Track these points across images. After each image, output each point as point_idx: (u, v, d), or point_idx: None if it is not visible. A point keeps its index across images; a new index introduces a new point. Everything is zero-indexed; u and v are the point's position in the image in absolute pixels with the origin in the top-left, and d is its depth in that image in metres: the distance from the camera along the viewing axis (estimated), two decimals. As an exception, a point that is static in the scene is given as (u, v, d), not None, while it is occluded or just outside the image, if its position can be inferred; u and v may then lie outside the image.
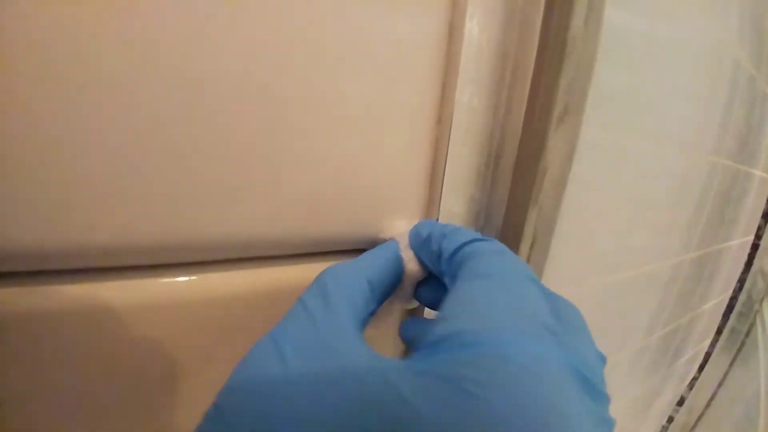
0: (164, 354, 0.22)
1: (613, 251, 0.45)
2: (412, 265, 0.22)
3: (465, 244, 0.19)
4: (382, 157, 0.24)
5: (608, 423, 0.13)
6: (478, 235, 0.19)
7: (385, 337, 0.29)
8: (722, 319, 0.94)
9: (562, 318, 0.15)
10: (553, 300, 0.17)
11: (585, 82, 0.22)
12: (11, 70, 0.15)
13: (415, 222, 0.24)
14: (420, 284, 0.23)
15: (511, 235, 0.26)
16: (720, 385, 0.95)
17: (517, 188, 0.25)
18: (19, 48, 0.15)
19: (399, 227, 0.25)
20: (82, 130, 0.16)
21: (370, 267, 0.20)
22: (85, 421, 0.21)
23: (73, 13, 0.15)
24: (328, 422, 0.12)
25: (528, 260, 0.26)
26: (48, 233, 0.17)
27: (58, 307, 0.18)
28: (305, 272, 0.25)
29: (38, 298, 0.18)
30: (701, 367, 0.97)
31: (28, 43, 0.15)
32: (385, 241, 0.24)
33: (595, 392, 0.13)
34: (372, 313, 0.19)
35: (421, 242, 0.21)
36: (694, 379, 0.97)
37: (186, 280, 0.22)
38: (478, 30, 0.23)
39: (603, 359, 0.15)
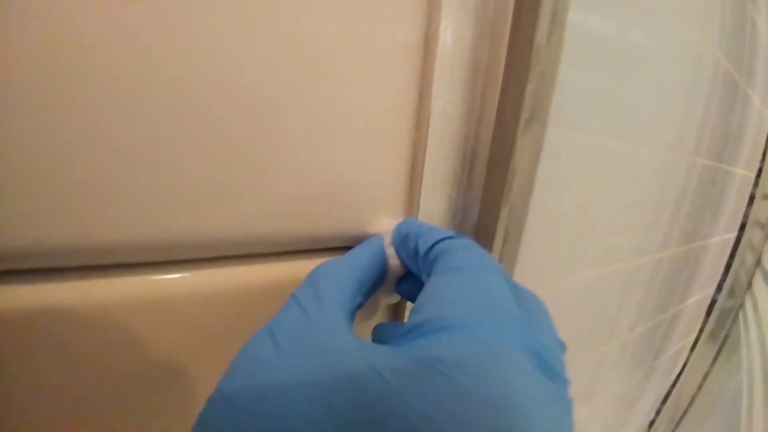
0: (157, 351, 0.23)
1: (592, 249, 0.46)
2: (394, 261, 0.24)
3: (438, 241, 0.20)
4: (364, 160, 0.26)
5: (566, 402, 0.14)
6: (450, 233, 0.21)
7: (370, 328, 0.31)
8: (705, 315, 0.96)
9: (525, 307, 0.17)
10: (518, 291, 0.18)
11: (549, 90, 0.24)
12: (11, 70, 0.16)
13: (400, 220, 0.26)
14: (401, 279, 0.25)
15: (484, 232, 0.27)
16: (704, 380, 0.97)
17: (490, 188, 0.26)
18: (21, 49, 0.16)
19: (384, 224, 0.26)
20: (75, 130, 0.17)
21: (357, 264, 0.22)
22: (79, 418, 0.22)
23: (72, 13, 0.16)
24: (321, 404, 0.13)
25: (501, 256, 0.28)
26: (40, 232, 0.18)
27: (50, 305, 0.19)
28: (293, 269, 0.26)
29: (28, 296, 0.19)
30: (685, 363, 0.99)
31: (29, 44, 0.16)
32: (371, 236, 0.26)
33: (554, 374, 0.14)
34: (359, 306, 0.21)
35: (400, 240, 0.23)
36: (679, 374, 0.99)
37: (178, 277, 0.23)
38: (452, 41, 0.25)
39: (563, 346, 0.17)
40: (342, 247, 0.28)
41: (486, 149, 0.26)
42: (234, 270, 0.25)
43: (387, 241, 0.25)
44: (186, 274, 0.23)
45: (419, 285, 0.23)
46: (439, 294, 0.17)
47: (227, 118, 0.20)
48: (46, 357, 0.20)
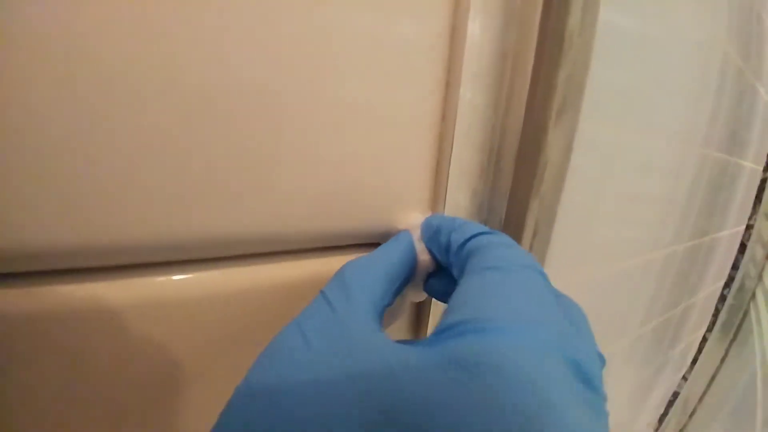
0: (166, 353, 0.22)
1: (608, 242, 0.46)
2: (424, 255, 0.23)
3: (473, 236, 0.20)
4: (389, 154, 0.25)
5: (603, 413, 0.14)
6: (486, 229, 0.20)
7: (399, 329, 0.31)
8: (716, 308, 0.96)
9: (567, 314, 0.16)
10: (560, 297, 0.18)
11: (582, 78, 0.24)
12: (13, 68, 0.15)
13: (428, 215, 0.25)
14: (430, 276, 0.24)
15: (513, 226, 0.27)
16: (716, 373, 0.97)
17: (519, 181, 0.26)
18: (22, 47, 0.15)
19: (413, 219, 0.26)
20: (81, 129, 0.17)
21: (387, 260, 0.21)
22: (84, 422, 0.21)
23: (80, 11, 0.16)
24: (353, 402, 0.13)
25: (530, 250, 0.27)
26: (45, 233, 0.17)
27: (54, 308, 0.19)
28: (318, 267, 0.26)
29: (33, 299, 0.18)
30: (697, 356, 0.99)
31: (31, 42, 0.15)
32: (398, 231, 0.25)
33: (592, 386, 0.14)
34: (389, 305, 0.20)
35: (431, 234, 0.23)
36: (690, 368, 0.99)
37: (191, 278, 0.22)
38: (480, 31, 0.24)
39: (603, 360, 0.16)
40: (368, 243, 0.27)
41: (514, 141, 0.26)
42: (256, 269, 0.24)
43: (416, 235, 0.24)
44: (199, 274, 0.23)
45: (450, 282, 0.23)
46: (478, 293, 0.16)
47: (245, 115, 0.20)
48: (52, 361, 0.19)
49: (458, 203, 0.28)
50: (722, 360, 0.96)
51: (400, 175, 0.26)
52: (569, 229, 0.36)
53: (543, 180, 0.25)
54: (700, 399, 0.98)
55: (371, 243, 0.27)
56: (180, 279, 0.22)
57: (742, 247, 0.91)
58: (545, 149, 0.24)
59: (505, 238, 0.20)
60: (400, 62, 0.23)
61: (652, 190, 0.53)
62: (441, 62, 0.25)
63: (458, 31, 0.24)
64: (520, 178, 0.26)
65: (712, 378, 0.97)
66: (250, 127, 0.20)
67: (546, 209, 0.26)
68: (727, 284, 0.95)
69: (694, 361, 0.99)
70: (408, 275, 0.22)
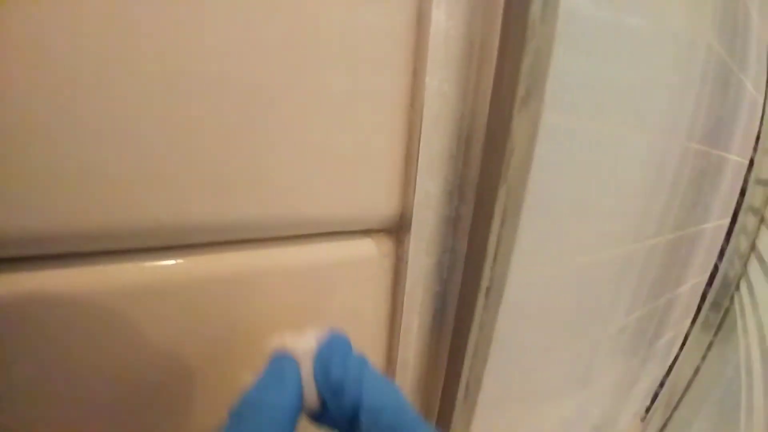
0: (154, 338, 0.22)
1: (589, 234, 0.46)
2: (312, 397, 0.20)
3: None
4: (359, 141, 0.25)
5: None
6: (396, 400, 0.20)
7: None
8: (700, 300, 0.97)
9: None
10: None
11: (545, 66, 0.24)
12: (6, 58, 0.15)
13: (320, 336, 0.22)
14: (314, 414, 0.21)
15: (482, 212, 0.27)
16: (700, 364, 0.98)
17: (487, 168, 0.26)
18: (15, 41, 0.15)
19: (303, 343, 0.21)
20: (68, 116, 0.17)
21: (276, 402, 0.19)
22: (72, 405, 0.21)
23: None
24: None
25: (498, 237, 0.27)
26: (32, 218, 0.18)
27: (42, 293, 0.19)
28: (287, 256, 0.26)
29: (20, 284, 0.19)
30: (681, 348, 1.00)
31: (23, 35, 0.15)
32: (287, 352, 0.21)
33: None
34: None
35: (330, 387, 0.20)
36: (675, 359, 1.00)
37: (173, 264, 0.23)
38: (445, 18, 0.24)
39: None
40: (334, 232, 0.28)
41: (482, 128, 0.26)
42: (228, 256, 0.24)
43: (306, 368, 0.20)
44: (180, 261, 0.23)
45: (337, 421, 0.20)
46: None
47: (220, 104, 0.20)
48: (40, 345, 0.19)
49: (429, 190, 0.28)
50: (706, 351, 0.97)
51: (371, 161, 0.26)
52: (543, 220, 0.36)
53: (510, 167, 0.25)
54: (685, 390, 1.00)
55: (338, 231, 0.28)
56: (167, 264, 0.22)
57: (727, 239, 0.92)
58: (511, 136, 0.24)
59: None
60: (366, 51, 0.24)
61: (634, 183, 0.53)
62: (407, 50, 0.25)
63: (424, 19, 0.24)
64: (487, 164, 0.26)
65: (697, 369, 0.99)
66: (228, 117, 0.21)
67: (513, 196, 0.26)
68: (712, 276, 0.96)
69: (679, 351, 1.00)
70: (294, 413, 0.20)
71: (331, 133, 0.24)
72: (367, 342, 0.32)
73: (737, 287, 0.94)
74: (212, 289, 0.24)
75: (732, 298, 0.95)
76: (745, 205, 0.91)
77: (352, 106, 0.24)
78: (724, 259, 0.94)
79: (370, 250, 0.29)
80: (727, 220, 0.92)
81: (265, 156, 0.22)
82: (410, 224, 0.28)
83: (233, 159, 0.21)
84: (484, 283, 0.28)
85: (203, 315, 0.24)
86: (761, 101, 0.86)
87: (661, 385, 1.01)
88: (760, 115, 0.90)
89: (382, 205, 0.28)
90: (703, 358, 0.98)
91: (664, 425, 1.03)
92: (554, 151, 0.33)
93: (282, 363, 0.20)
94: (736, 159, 0.86)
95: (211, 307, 0.24)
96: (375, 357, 0.33)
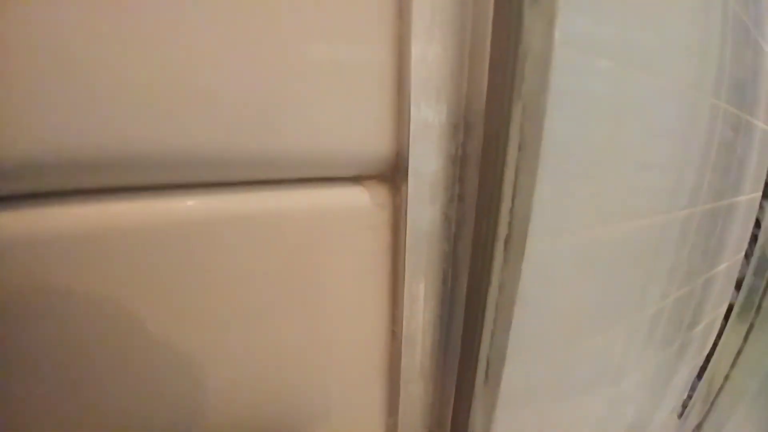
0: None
1: (617, 197, 0.41)
2: None
3: None
4: (334, 55, 0.21)
5: None
6: None
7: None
8: (736, 285, 0.90)
9: None
10: None
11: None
12: None
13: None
14: None
15: (494, 141, 0.22)
16: (740, 351, 0.91)
17: (495, 81, 0.21)
18: None
19: None
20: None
21: None
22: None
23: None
24: None
25: (516, 171, 0.22)
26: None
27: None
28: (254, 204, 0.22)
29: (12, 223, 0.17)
30: (719, 336, 0.93)
31: None
32: None
33: None
34: None
35: None
36: (713, 348, 0.93)
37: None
38: None
39: None
40: (318, 178, 0.23)
41: (487, 32, 0.21)
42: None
43: None
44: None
45: None
46: None
47: None
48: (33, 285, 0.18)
49: (427, 120, 0.23)
50: (745, 339, 0.90)
51: (352, 83, 0.22)
52: (562, 179, 0.31)
53: (524, 78, 0.20)
54: (725, 380, 0.92)
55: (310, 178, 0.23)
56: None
57: (758, 221, 0.85)
58: (523, 39, 0.20)
59: None
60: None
61: (665, 148, 0.48)
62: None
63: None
64: (496, 78, 0.21)
65: (736, 358, 0.91)
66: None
67: (530, 118, 0.21)
68: (747, 257, 0.89)
69: (717, 340, 0.92)
70: None
71: (301, 40, 0.19)
72: (365, 314, 0.27)
73: (775, 267, 0.87)
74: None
75: (770, 279, 0.88)
76: (777, 178, 0.85)
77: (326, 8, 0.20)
78: (759, 240, 0.87)
79: (361, 200, 0.25)
80: (759, 194, 0.85)
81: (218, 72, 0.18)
82: (407, 166, 0.23)
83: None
84: (502, 230, 0.23)
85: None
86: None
87: (699, 377, 0.94)
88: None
89: (371, 143, 0.23)
90: (742, 346, 0.90)
91: (703, 420, 0.95)
92: (579, 98, 0.28)
93: None
94: (763, 127, 0.81)
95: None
96: (375, 333, 0.28)
